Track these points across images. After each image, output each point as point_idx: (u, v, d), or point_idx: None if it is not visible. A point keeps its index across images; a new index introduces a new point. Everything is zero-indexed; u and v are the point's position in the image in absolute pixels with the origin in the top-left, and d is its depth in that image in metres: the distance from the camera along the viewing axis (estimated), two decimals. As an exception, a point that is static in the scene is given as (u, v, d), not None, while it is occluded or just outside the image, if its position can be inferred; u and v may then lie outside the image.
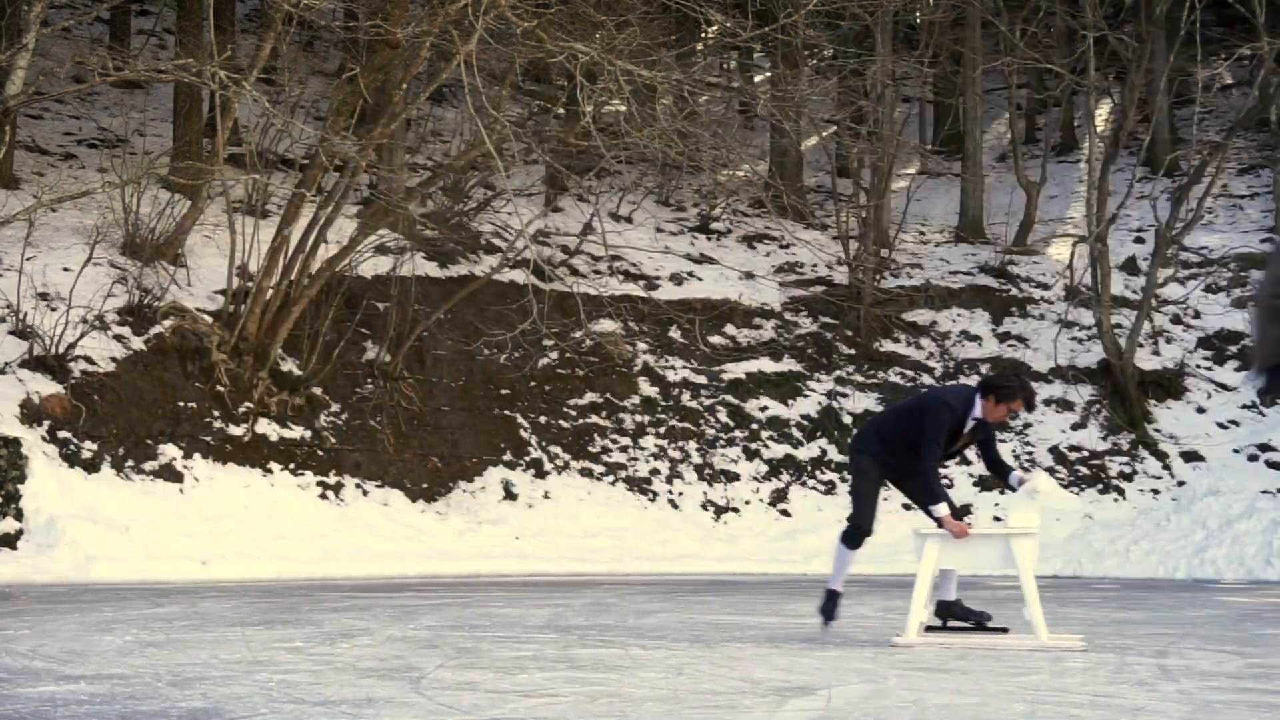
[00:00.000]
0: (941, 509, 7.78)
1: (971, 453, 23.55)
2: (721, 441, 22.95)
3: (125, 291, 19.29)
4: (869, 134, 26.35)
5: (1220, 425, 23.70)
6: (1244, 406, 24.09)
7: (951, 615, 8.15)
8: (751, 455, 23.06)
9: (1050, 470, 23.22)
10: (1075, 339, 25.86)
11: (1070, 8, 27.86)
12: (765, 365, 24.71)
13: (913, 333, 26.19)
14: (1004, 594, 14.48)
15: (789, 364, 24.96)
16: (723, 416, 23.53)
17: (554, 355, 23.25)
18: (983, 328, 26.54)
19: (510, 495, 20.84)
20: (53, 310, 18.31)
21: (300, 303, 19.54)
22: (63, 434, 16.85)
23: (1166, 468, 22.91)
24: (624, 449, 22.53)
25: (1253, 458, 22.58)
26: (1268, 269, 3.61)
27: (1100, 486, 22.73)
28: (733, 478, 22.56)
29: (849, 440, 18.28)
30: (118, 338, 18.60)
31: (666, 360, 24.34)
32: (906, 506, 23.25)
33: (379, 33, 18.53)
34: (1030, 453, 23.58)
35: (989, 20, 28.29)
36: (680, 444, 22.90)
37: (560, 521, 20.47)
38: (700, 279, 26.55)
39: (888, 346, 25.83)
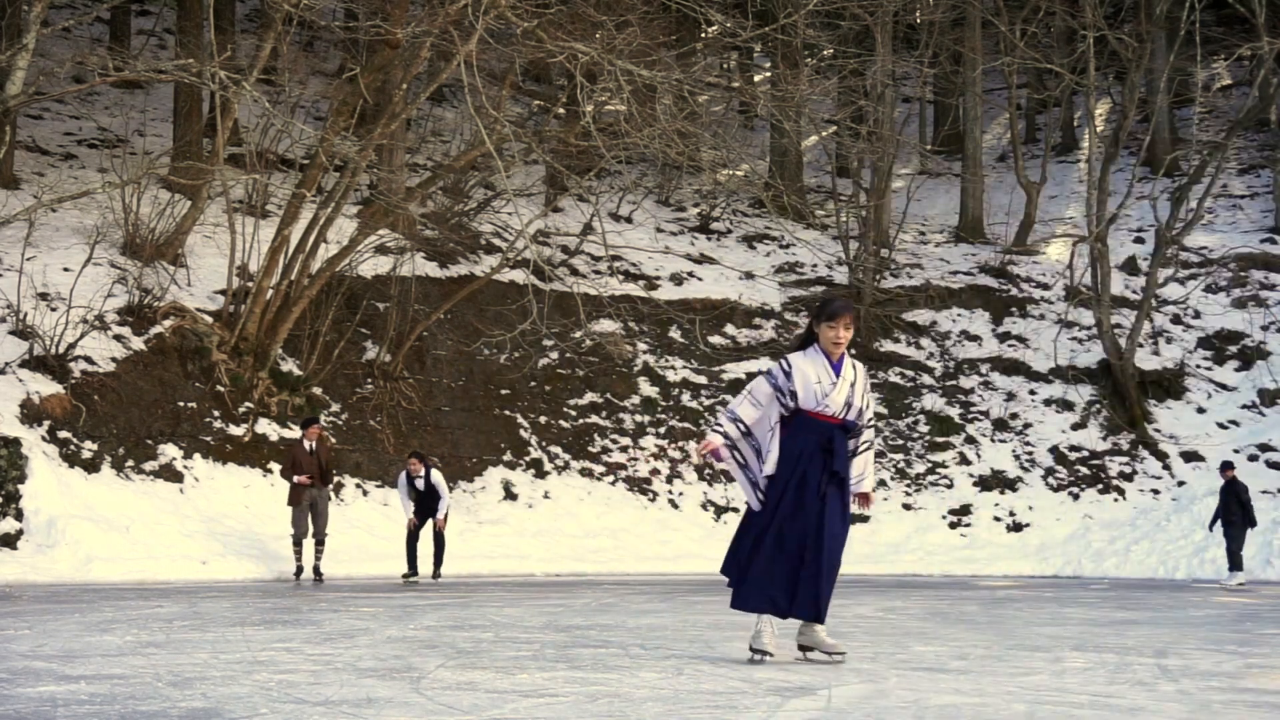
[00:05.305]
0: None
1: (972, 451, 23.67)
2: (721, 441, 22.97)
3: (125, 291, 19.28)
4: (869, 134, 26.34)
5: (1220, 425, 23.68)
6: (1244, 406, 24.08)
7: None
8: (751, 455, 23.07)
9: (1050, 470, 23.22)
10: (1075, 339, 25.84)
11: (1070, 8, 27.85)
12: (765, 365, 24.70)
13: (913, 333, 26.19)
14: (1002, 594, 14.48)
15: (789, 364, 24.95)
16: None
17: (554, 355, 23.25)
18: (983, 328, 26.52)
19: (510, 495, 20.84)
20: (53, 310, 18.29)
21: (300, 303, 19.53)
22: (63, 434, 16.84)
23: (1166, 468, 22.89)
24: (624, 449, 22.53)
25: (1253, 458, 22.56)
26: None
27: (1100, 486, 22.72)
28: (733, 478, 22.54)
29: None
30: (118, 338, 18.59)
31: (666, 360, 24.34)
32: (906, 507, 23.01)
33: (379, 33, 18.53)
34: (1030, 453, 23.57)
35: (989, 20, 28.29)
36: (680, 444, 22.90)
37: (560, 521, 20.47)
38: (700, 279, 26.55)
39: (888, 346, 25.83)
